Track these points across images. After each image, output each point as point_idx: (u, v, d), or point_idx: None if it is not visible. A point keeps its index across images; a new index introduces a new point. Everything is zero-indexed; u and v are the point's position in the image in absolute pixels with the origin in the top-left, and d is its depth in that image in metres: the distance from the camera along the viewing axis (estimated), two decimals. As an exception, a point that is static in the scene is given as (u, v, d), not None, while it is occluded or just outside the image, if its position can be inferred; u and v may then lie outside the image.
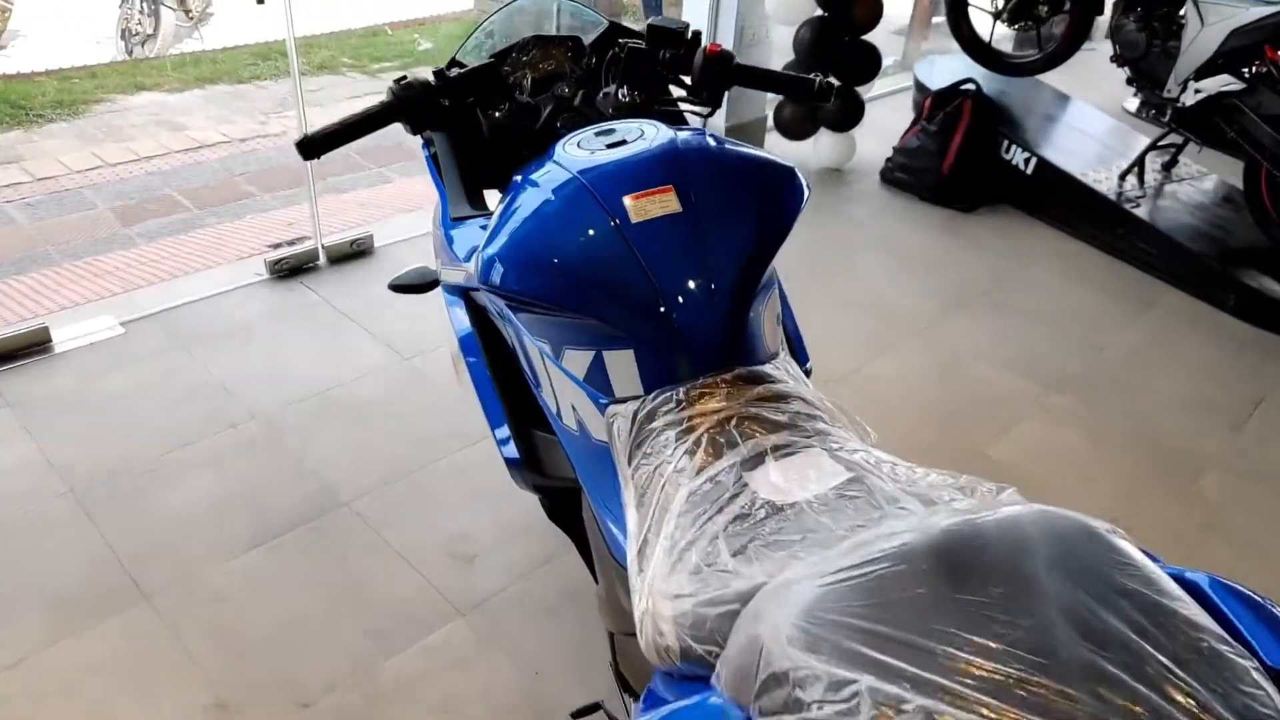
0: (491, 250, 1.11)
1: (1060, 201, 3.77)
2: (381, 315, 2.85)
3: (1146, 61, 3.57)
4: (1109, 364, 2.93)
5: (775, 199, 1.13)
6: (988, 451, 2.49)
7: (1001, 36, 4.11)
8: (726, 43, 4.07)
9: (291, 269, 3.05)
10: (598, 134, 1.23)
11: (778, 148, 4.31)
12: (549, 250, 1.07)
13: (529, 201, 1.15)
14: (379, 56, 6.13)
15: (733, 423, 0.97)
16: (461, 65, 1.61)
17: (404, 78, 1.36)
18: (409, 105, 1.35)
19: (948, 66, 4.41)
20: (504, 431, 1.39)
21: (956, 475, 0.89)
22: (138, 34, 6.31)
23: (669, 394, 1.02)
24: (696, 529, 0.86)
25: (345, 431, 2.38)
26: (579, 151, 1.19)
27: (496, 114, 1.43)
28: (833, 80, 1.44)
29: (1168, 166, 3.84)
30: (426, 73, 1.44)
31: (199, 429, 2.34)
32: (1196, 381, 2.86)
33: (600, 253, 1.05)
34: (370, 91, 5.50)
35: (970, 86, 3.91)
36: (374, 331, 2.78)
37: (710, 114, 1.47)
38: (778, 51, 4.20)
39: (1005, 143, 3.89)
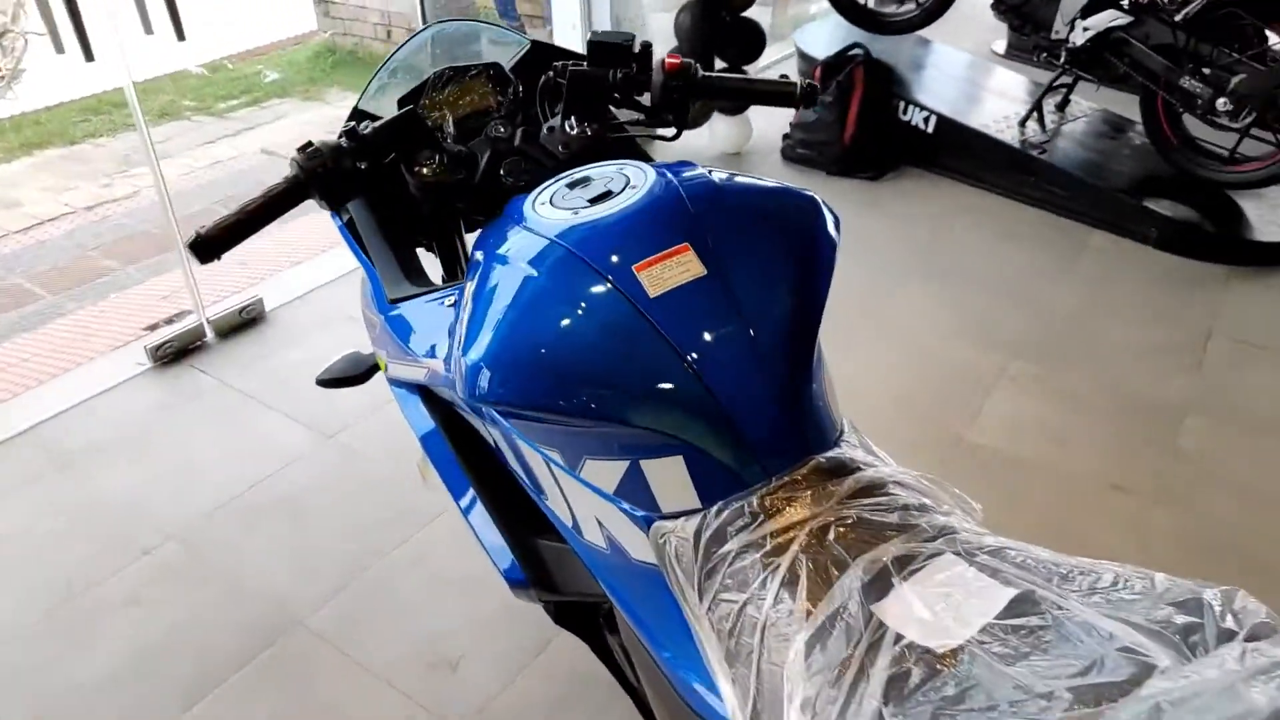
0: (475, 355, 0.89)
1: (966, 156, 3.72)
2: (291, 390, 2.55)
3: (1030, 6, 3.54)
4: (1056, 320, 2.88)
5: (807, 237, 0.95)
6: (966, 436, 2.39)
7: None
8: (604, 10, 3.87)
9: (176, 351, 2.70)
10: (571, 185, 1.02)
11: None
12: (552, 348, 0.86)
13: (508, 283, 0.93)
14: (224, 95, 5.66)
15: (830, 534, 0.79)
16: (368, 116, 1.37)
17: (309, 145, 1.11)
18: (321, 178, 1.10)
19: (827, 33, 4.32)
20: (501, 548, 1.17)
21: (1121, 565, 0.73)
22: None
23: (737, 505, 0.83)
24: (842, 699, 0.67)
25: (279, 535, 2.09)
26: (556, 212, 0.98)
27: (424, 169, 1.19)
28: (814, 83, 1.26)
29: (1061, 107, 3.84)
30: (327, 132, 1.20)
31: (104, 564, 2.02)
32: (1143, 324, 2.84)
33: (619, 342, 0.85)
34: (224, 133, 5.07)
35: (859, 52, 3.81)
36: (287, 411, 2.48)
37: (675, 136, 1.28)
38: (658, 38, 4.02)
39: (902, 104, 3.82)
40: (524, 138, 1.24)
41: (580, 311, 0.86)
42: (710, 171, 1.00)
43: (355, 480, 2.24)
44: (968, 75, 4.22)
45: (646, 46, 1.24)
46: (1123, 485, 2.20)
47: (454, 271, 1.36)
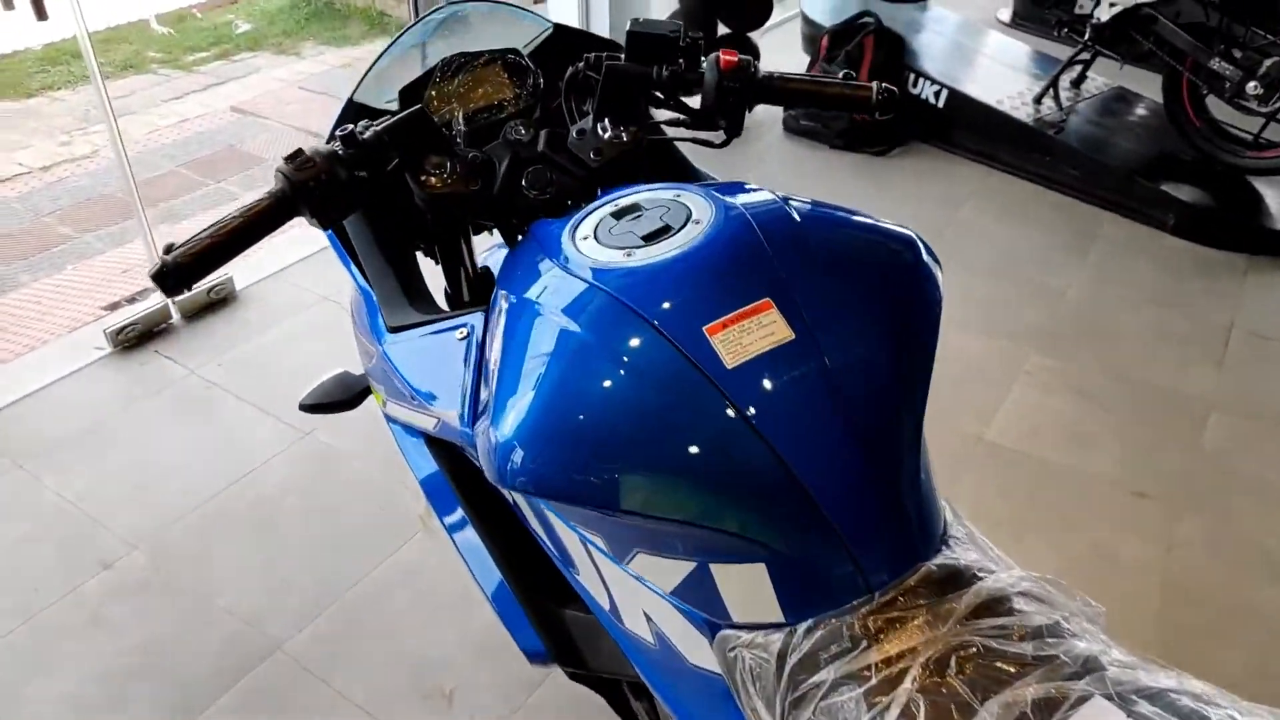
0: (506, 432, 0.72)
1: (977, 133, 3.56)
2: (265, 379, 2.37)
3: (1052, -23, 3.36)
4: (1073, 309, 2.75)
5: (910, 288, 0.79)
6: (985, 435, 2.26)
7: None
8: (602, 2, 3.65)
9: (140, 335, 2.50)
10: (617, 215, 0.85)
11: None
12: (605, 428, 0.69)
13: (546, 338, 0.76)
14: (192, 46, 5.36)
15: (950, 667, 0.64)
16: (364, 110, 1.18)
17: (298, 153, 0.92)
18: (313, 192, 0.92)
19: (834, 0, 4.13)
20: (517, 615, 1.02)
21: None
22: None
23: (834, 624, 0.68)
24: None
25: (253, 546, 1.92)
26: (602, 250, 0.80)
27: (432, 178, 1.01)
28: (892, 89, 1.08)
29: (1076, 84, 3.68)
30: (315, 136, 1.01)
31: (60, 579, 1.84)
32: (1162, 314, 2.72)
33: (689, 424, 0.68)
34: (191, 89, 4.78)
35: (869, 20, 3.62)
36: (258, 403, 2.30)
37: (726, 143, 1.10)
38: (659, 3, 3.81)
39: (912, 77, 3.65)
40: (549, 142, 1.07)
41: (640, 384, 0.70)
42: (781, 199, 0.84)
43: (336, 483, 2.07)
44: (978, 46, 4.04)
45: (696, 39, 1.07)
46: (1147, 491, 2.08)
47: (457, 283, 1.19)
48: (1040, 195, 3.37)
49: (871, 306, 0.75)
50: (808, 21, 4.04)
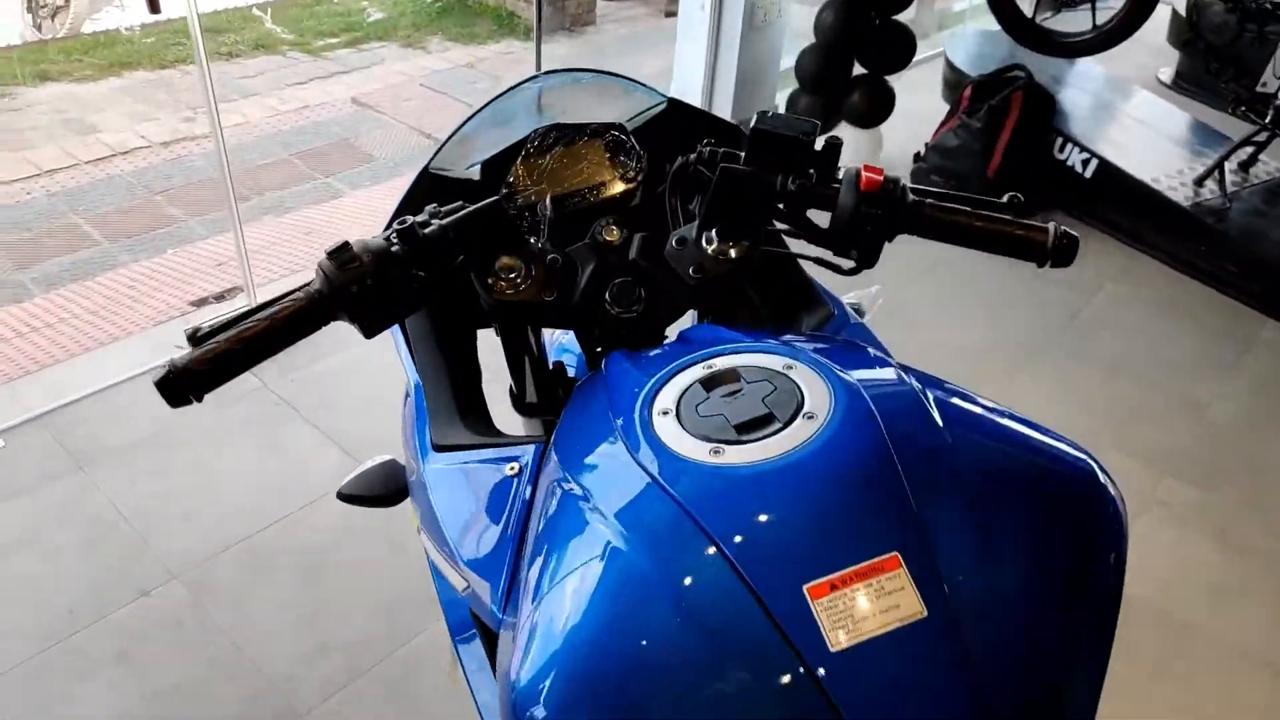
0: (526, 678, 0.56)
1: (1125, 211, 3.25)
2: (335, 403, 2.28)
3: (1235, 49, 3.03)
4: (1220, 429, 2.44)
5: (1087, 536, 0.60)
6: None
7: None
8: (733, 25, 3.47)
9: (221, 338, 2.45)
10: (708, 383, 0.68)
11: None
12: (658, 713, 0.53)
13: (594, 552, 0.59)
14: (323, 30, 5.41)
15: None
16: (440, 182, 1.04)
17: (345, 248, 0.78)
18: (357, 297, 0.77)
19: (982, 46, 3.85)
20: None
21: None
22: (46, 4, 5.53)
23: None
24: None
25: (293, 593, 1.82)
26: (682, 438, 0.63)
27: (503, 282, 0.86)
28: (1071, 233, 0.87)
29: (1245, 167, 3.32)
30: (372, 221, 0.88)
31: (97, 602, 1.78)
32: (1326, 452, 2.39)
33: None
34: (316, 75, 4.81)
35: (1020, 75, 3.35)
36: (324, 428, 2.21)
37: (855, 272, 0.92)
38: (796, 34, 3.62)
39: (1059, 140, 3.35)
40: (643, 249, 0.90)
41: (709, 653, 0.52)
42: (916, 385, 0.65)
43: (390, 537, 1.95)
44: (1136, 111, 3.70)
45: (833, 144, 0.88)
46: (1294, 673, 1.80)
47: (522, 378, 1.04)
48: (1189, 288, 3.05)
49: (1037, 565, 0.56)
50: (951, 67, 3.78)
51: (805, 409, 0.63)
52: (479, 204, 0.84)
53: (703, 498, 0.58)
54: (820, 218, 0.92)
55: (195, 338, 0.75)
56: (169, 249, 3.16)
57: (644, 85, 1.10)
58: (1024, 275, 3.01)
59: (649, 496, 0.60)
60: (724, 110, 3.66)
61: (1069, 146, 3.34)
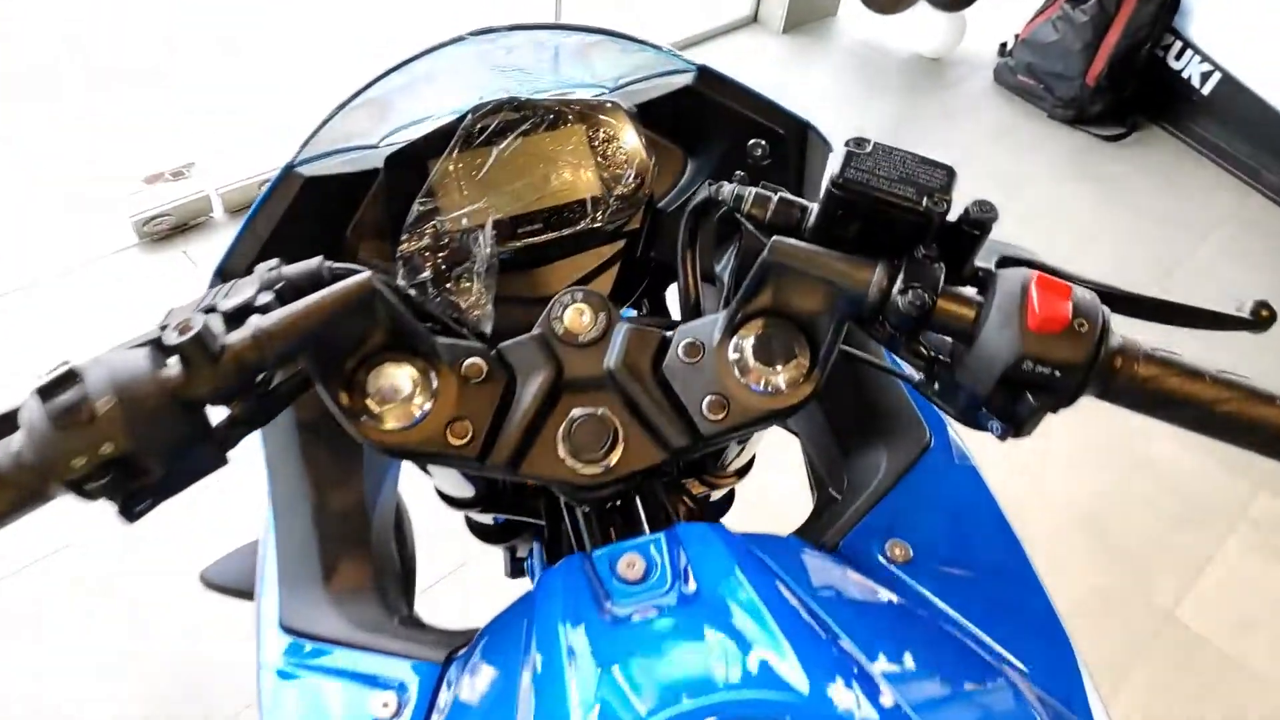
0: None
1: (1248, 139, 2.75)
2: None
3: None
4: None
5: None
6: (1176, 611, 1.70)
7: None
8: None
9: (171, 228, 2.10)
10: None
11: (859, 23, 3.21)
12: None
13: None
14: None
15: None
16: (316, 184, 0.66)
17: (66, 380, 0.42)
18: (94, 477, 0.42)
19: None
20: None
21: None
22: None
23: None
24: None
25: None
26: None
27: (380, 408, 0.51)
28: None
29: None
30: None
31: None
32: None
33: None
34: None
35: (1142, -39, 2.78)
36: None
37: (1001, 437, 0.54)
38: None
39: (1178, 45, 2.82)
40: (629, 351, 0.54)
41: None
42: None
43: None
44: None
45: (979, 220, 0.49)
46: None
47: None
48: (1312, 243, 2.61)
49: None
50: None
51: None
52: (342, 283, 0.47)
53: None
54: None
55: None
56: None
57: (661, 47, 0.70)
58: (1118, 213, 2.57)
59: None
60: (776, 11, 3.10)
61: (1187, 53, 2.81)
